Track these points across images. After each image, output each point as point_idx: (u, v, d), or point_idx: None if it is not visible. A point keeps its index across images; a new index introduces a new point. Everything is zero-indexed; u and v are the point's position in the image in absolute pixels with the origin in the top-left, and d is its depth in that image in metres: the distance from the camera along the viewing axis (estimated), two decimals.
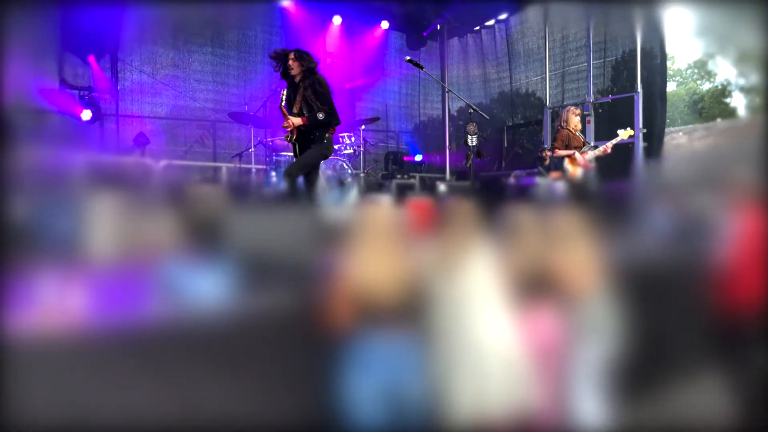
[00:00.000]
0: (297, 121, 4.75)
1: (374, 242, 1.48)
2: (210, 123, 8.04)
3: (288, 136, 4.89)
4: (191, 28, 8.02)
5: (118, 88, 7.61)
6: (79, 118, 6.94)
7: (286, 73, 4.86)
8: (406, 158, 9.25)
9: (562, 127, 6.06)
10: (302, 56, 4.82)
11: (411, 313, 1.46)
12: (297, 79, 4.81)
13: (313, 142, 4.75)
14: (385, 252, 1.48)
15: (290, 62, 4.80)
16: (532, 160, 7.95)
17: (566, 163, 5.89)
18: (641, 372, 1.65)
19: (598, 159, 5.86)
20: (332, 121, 4.82)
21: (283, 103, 4.82)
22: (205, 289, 1.34)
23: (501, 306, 1.53)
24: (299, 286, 1.42)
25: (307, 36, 9.21)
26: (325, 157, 5.04)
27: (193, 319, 1.30)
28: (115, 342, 1.21)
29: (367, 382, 1.42)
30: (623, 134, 5.94)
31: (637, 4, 7.66)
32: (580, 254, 1.62)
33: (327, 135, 4.82)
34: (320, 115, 4.70)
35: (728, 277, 1.78)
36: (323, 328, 1.39)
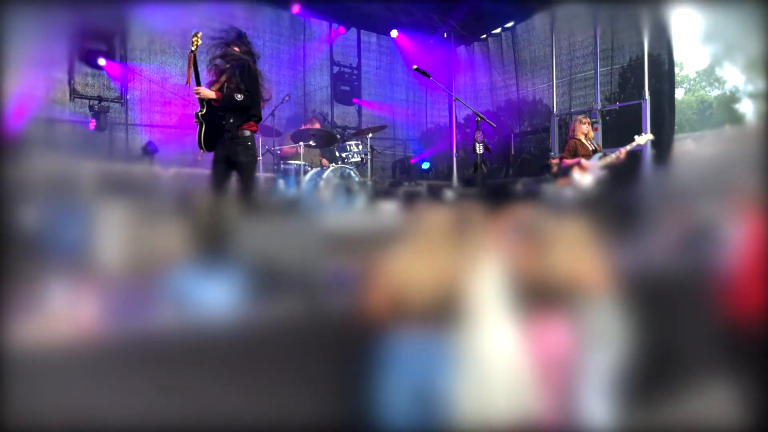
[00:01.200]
0: (209, 93, 4.29)
1: (395, 249, 1.49)
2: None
3: (198, 114, 4.37)
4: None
5: (128, 97, 7.68)
6: (90, 127, 7.01)
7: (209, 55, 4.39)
8: (412, 160, 9.30)
9: (570, 137, 6.12)
10: (249, 42, 4.48)
11: (434, 319, 1.46)
12: (233, 59, 4.32)
13: (232, 141, 4.27)
14: (405, 258, 1.49)
15: (237, 43, 4.38)
16: (539, 167, 7.95)
17: (574, 170, 5.89)
18: (650, 380, 1.65)
19: (610, 167, 5.81)
20: (251, 110, 4.35)
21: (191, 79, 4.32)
22: (221, 297, 1.35)
23: (511, 315, 1.53)
24: (312, 295, 1.42)
25: (315, 43, 9.29)
26: (256, 161, 4.58)
27: (220, 328, 1.30)
28: (125, 350, 1.21)
29: (391, 386, 1.42)
30: (640, 139, 5.89)
31: (644, 10, 7.66)
32: (586, 261, 1.62)
33: (249, 134, 4.38)
34: (239, 96, 4.24)
35: (736, 284, 1.77)
36: (347, 333, 1.40)
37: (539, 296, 1.56)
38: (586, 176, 5.79)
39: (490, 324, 1.51)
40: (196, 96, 4.37)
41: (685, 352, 1.77)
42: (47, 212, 1.42)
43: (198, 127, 4.41)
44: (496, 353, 1.50)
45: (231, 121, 4.31)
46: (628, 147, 5.85)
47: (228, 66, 4.33)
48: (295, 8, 8.65)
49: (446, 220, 1.60)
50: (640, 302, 1.62)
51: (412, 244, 1.52)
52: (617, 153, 5.87)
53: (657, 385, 1.68)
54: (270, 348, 1.36)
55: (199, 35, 4.40)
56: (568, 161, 5.96)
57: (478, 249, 1.55)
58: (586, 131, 6.07)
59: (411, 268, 1.49)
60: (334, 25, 9.35)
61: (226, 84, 4.33)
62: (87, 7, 6.57)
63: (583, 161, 5.85)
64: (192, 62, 4.34)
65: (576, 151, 5.97)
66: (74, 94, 7.23)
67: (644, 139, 5.93)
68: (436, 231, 1.57)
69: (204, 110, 4.38)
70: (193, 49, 4.39)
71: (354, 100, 9.63)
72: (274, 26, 8.90)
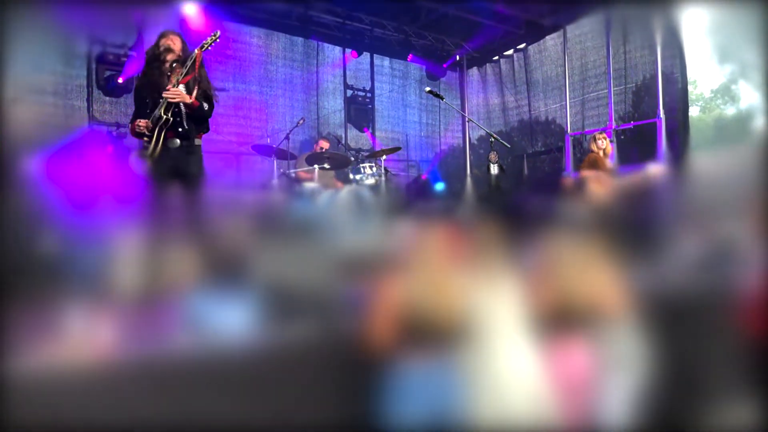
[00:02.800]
0: (186, 98, 3.78)
1: (408, 271, 1.49)
2: (234, 155, 8.18)
3: (162, 120, 3.79)
4: (213, 64, 8.24)
5: None
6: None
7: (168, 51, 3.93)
8: (423, 176, 9.34)
9: (590, 151, 6.16)
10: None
11: (450, 343, 1.45)
12: (196, 61, 3.86)
13: (187, 151, 3.86)
14: (419, 278, 1.48)
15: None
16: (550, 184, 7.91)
17: (591, 183, 5.86)
18: (673, 404, 1.61)
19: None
20: (205, 122, 4.02)
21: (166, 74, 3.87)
22: (237, 320, 1.35)
23: (530, 339, 1.51)
24: (330, 316, 1.42)
25: (328, 67, 9.40)
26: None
27: (235, 351, 1.30)
28: (142, 373, 1.22)
29: (406, 410, 1.41)
30: (653, 170, 5.88)
31: (657, 28, 7.67)
32: (605, 282, 1.60)
33: (198, 142, 3.98)
34: (206, 105, 3.91)
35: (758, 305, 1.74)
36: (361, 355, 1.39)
37: (558, 320, 1.54)
38: (602, 190, 5.75)
39: (507, 348, 1.49)
40: (166, 97, 3.78)
41: (709, 375, 1.73)
42: (64, 236, 1.44)
43: (157, 134, 3.82)
44: (515, 377, 1.48)
45: (188, 129, 3.86)
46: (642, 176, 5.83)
47: (193, 70, 3.85)
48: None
49: (461, 240, 1.60)
50: (660, 324, 1.60)
51: (426, 265, 1.51)
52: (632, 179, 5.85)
53: (680, 409, 1.64)
54: (285, 371, 1.35)
55: (217, 35, 3.93)
56: (587, 173, 5.93)
57: (494, 271, 1.54)
58: (603, 146, 6.06)
59: (425, 290, 1.48)
60: (347, 50, 9.47)
61: (195, 83, 3.88)
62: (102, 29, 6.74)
63: (603, 175, 5.83)
64: (197, 61, 3.87)
65: (596, 164, 5.94)
66: (92, 120, 7.37)
67: (657, 169, 5.91)
68: (450, 252, 1.56)
69: (169, 111, 3.81)
70: (205, 47, 3.90)
71: (365, 129, 9.70)
72: (288, 51, 9.04)
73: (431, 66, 10.10)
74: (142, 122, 3.86)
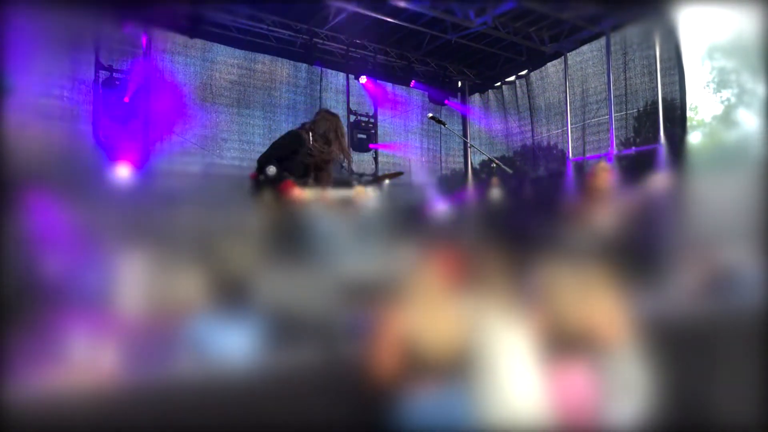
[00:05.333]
0: None
1: (409, 297, 1.49)
2: (237, 180, 8.21)
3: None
4: (217, 90, 8.34)
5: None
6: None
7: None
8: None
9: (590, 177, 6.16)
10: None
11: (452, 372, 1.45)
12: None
13: None
14: (422, 305, 1.48)
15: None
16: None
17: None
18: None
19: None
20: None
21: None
22: (239, 345, 1.35)
23: (533, 360, 1.51)
24: (333, 342, 1.42)
25: (332, 93, 9.49)
26: None
27: (238, 376, 1.30)
28: (145, 398, 1.21)
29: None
30: (657, 182, 5.87)
31: (657, 53, 7.76)
32: (603, 308, 1.60)
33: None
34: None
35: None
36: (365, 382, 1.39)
37: (559, 345, 1.54)
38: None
39: (510, 373, 1.49)
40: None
41: (711, 400, 1.73)
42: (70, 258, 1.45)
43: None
44: (518, 402, 1.48)
45: None
46: None
47: None
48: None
49: (463, 265, 1.60)
50: (661, 350, 1.60)
51: (428, 291, 1.51)
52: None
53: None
54: (287, 396, 1.35)
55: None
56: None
57: (496, 296, 1.54)
58: (605, 178, 6.04)
59: (428, 317, 1.48)
60: (351, 76, 9.57)
61: None
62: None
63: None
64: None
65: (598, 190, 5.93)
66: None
67: (663, 180, 5.91)
68: (452, 277, 1.57)
69: None
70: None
71: (371, 145, 9.76)
72: (291, 78, 9.13)
73: (434, 92, 10.19)
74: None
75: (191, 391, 1.26)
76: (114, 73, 7.46)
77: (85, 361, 1.26)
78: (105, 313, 1.36)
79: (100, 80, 7.41)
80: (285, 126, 8.94)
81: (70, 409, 1.17)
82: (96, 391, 1.20)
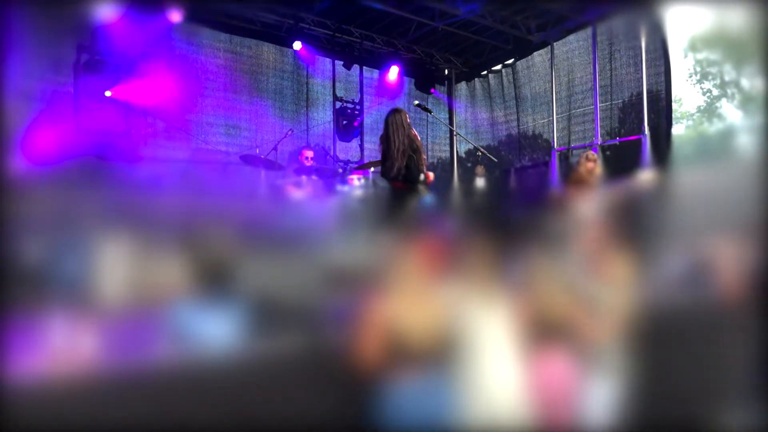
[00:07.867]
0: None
1: (393, 284, 1.49)
2: (222, 165, 8.15)
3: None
4: (204, 74, 8.24)
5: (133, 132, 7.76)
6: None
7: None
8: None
9: (577, 166, 6.22)
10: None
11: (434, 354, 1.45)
12: None
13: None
14: (405, 292, 1.49)
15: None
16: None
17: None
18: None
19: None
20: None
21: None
22: (221, 331, 1.35)
23: (514, 346, 1.52)
24: (315, 329, 1.42)
25: (318, 79, 9.43)
26: None
27: (220, 362, 1.30)
28: (125, 383, 1.21)
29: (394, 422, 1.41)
30: (643, 178, 5.93)
31: (642, 45, 7.79)
32: (582, 293, 1.62)
33: None
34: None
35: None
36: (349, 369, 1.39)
37: (539, 332, 1.55)
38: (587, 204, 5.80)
39: (492, 360, 1.50)
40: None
41: (692, 386, 1.75)
42: (52, 245, 1.43)
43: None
44: (500, 387, 1.49)
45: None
46: None
47: None
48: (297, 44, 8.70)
49: (447, 253, 1.61)
50: (643, 337, 1.62)
51: (411, 279, 1.52)
52: None
53: (663, 417, 1.66)
54: (270, 382, 1.35)
55: None
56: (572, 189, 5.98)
57: (479, 284, 1.55)
58: (591, 168, 6.09)
59: (411, 305, 1.48)
60: (337, 62, 9.50)
61: None
62: None
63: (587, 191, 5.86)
64: None
65: (580, 183, 5.98)
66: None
67: (648, 177, 5.99)
68: (436, 265, 1.57)
69: None
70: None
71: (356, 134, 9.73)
72: (278, 62, 9.05)
73: (420, 80, 10.16)
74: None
75: (173, 378, 1.26)
76: (96, 56, 7.33)
77: (65, 348, 1.25)
78: (86, 300, 1.35)
79: (81, 63, 7.28)
80: (271, 111, 8.88)
81: (52, 396, 1.16)
82: (77, 378, 1.20)
